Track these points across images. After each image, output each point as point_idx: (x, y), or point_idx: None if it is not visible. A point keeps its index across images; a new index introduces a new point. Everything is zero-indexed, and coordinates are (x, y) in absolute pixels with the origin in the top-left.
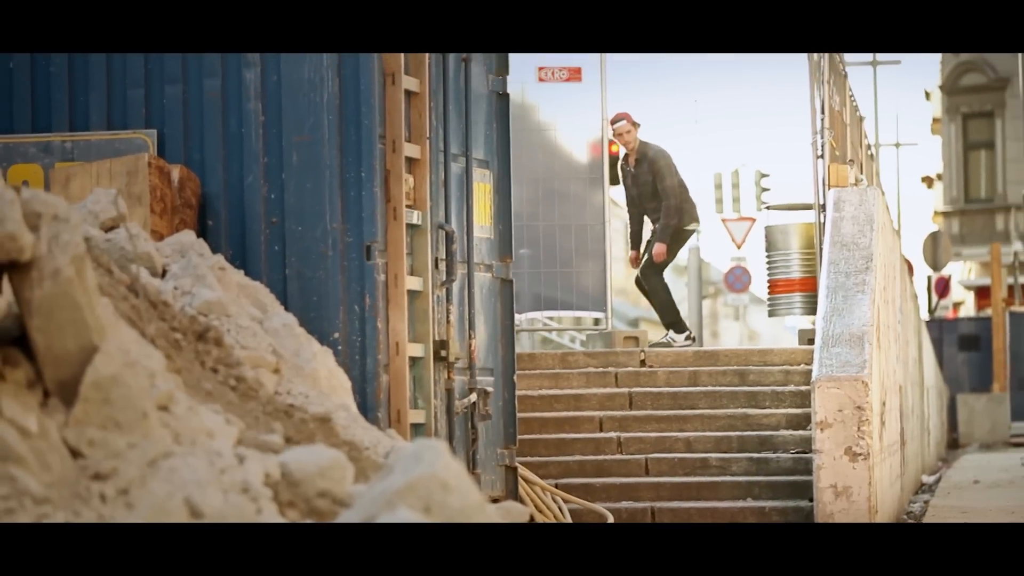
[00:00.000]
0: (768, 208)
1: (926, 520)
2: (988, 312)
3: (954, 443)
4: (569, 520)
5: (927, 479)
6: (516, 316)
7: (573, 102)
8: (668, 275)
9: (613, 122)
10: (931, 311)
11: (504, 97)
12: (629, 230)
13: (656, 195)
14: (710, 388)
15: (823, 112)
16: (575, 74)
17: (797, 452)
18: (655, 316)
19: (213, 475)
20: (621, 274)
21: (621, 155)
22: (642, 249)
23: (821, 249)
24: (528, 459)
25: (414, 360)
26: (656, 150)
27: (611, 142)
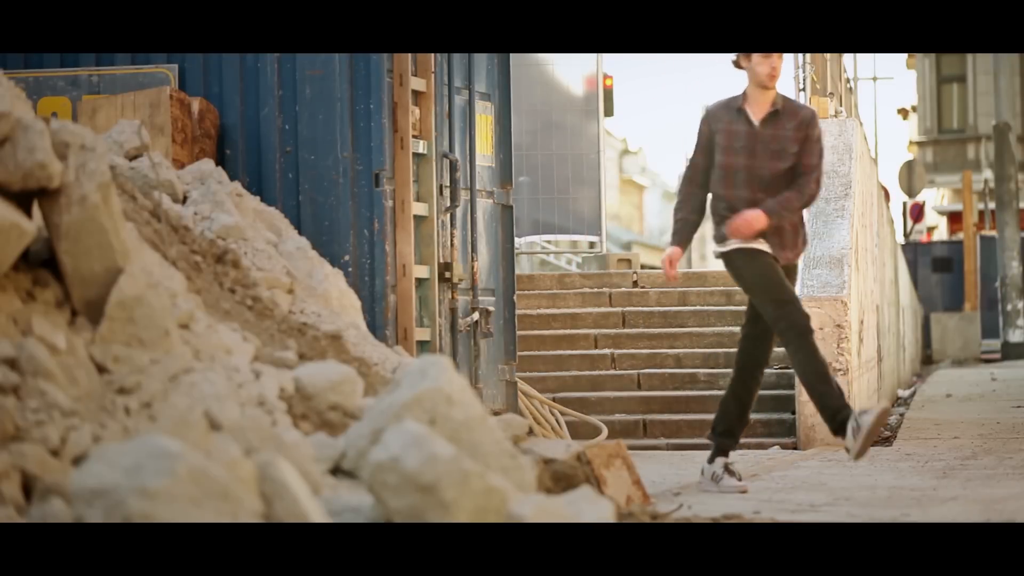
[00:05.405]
0: None
1: (901, 430)
2: (960, 236)
3: (928, 359)
4: (566, 431)
5: (903, 393)
6: (516, 240)
7: None
8: (659, 202)
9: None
10: (906, 235)
11: None
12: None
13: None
14: (699, 307)
15: None
16: None
17: (780, 367)
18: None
19: (231, 389)
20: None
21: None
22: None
23: None
24: (527, 374)
25: (420, 281)
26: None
27: (606, 76)
